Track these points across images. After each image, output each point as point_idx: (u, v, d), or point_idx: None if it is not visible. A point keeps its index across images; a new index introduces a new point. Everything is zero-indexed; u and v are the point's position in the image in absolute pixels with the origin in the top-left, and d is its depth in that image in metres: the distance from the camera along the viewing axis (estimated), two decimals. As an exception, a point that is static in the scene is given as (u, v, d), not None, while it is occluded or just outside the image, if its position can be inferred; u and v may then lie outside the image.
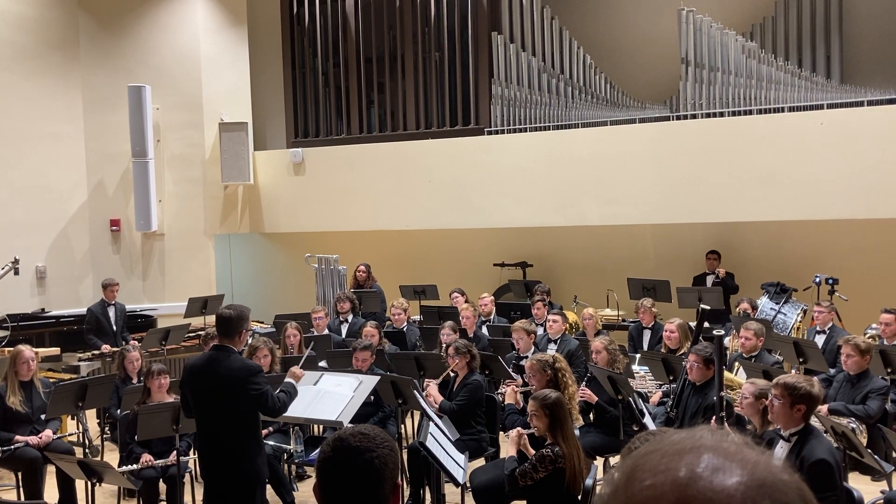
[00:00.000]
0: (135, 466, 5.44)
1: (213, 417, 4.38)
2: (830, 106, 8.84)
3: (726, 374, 5.99)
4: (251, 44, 11.76)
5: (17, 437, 5.77)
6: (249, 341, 8.29)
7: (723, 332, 4.38)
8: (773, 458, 0.78)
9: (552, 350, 6.99)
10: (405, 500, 5.67)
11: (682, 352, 6.54)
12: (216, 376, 4.31)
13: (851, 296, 8.22)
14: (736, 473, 0.73)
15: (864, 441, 5.60)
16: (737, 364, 6.53)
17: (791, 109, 9.03)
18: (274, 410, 4.44)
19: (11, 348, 6.59)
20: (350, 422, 5.13)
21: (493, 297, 9.02)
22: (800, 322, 7.76)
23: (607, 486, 0.80)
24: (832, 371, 6.55)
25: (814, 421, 5.32)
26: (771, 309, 8.07)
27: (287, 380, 4.74)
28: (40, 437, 5.80)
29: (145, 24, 11.20)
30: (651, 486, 0.74)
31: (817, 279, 8.30)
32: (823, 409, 5.82)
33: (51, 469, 5.78)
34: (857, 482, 5.24)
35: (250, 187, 11.66)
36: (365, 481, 1.81)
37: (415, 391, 5.49)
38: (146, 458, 5.46)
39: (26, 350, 6.03)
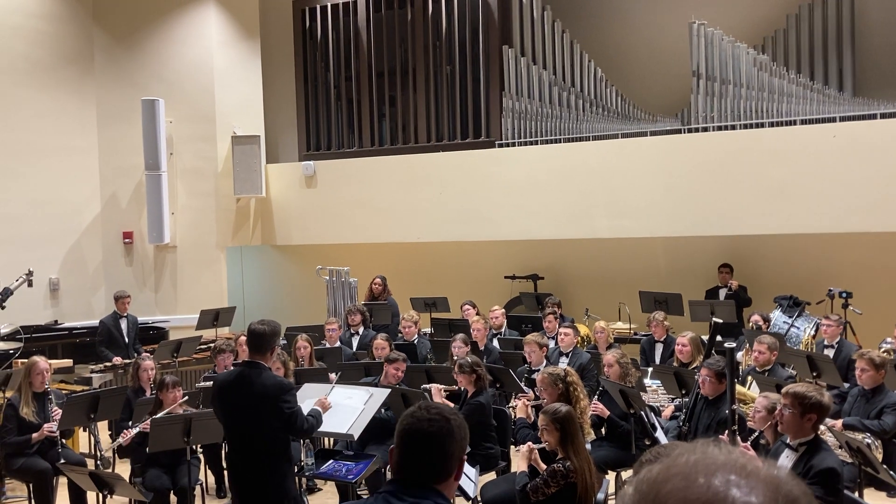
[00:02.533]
0: (136, 430, 5.53)
1: (243, 434, 4.34)
2: (843, 119, 8.81)
3: (739, 388, 5.95)
4: (264, 57, 11.85)
5: (34, 436, 5.78)
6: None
7: (734, 345, 4.35)
8: (786, 472, 0.78)
9: (564, 363, 6.96)
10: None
11: (694, 365, 6.51)
12: (247, 393, 4.25)
13: (865, 309, 8.16)
14: (761, 491, 0.73)
15: (880, 456, 5.54)
16: (750, 378, 6.48)
17: (803, 122, 9.00)
18: (301, 430, 4.41)
19: (25, 360, 6.62)
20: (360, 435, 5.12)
21: (503, 310, 9.00)
22: (812, 337, 7.69)
23: None
24: (846, 385, 6.49)
25: (829, 436, 5.29)
26: (784, 322, 8.01)
27: (315, 407, 4.72)
28: (42, 431, 5.78)
29: (159, 38, 11.30)
30: None
31: (831, 293, 8.25)
32: (838, 423, 5.77)
33: (63, 481, 5.80)
34: (873, 498, 5.19)
35: (262, 200, 11.71)
36: (437, 438, 2.10)
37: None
38: (128, 434, 5.59)
39: (41, 361, 6.06)
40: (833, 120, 8.86)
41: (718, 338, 8.36)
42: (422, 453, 2.10)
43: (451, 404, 5.93)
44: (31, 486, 5.83)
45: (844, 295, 8.14)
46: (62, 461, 5.69)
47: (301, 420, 4.33)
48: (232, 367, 6.13)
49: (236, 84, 11.55)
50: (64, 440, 6.07)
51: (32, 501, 5.80)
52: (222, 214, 11.49)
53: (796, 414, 3.86)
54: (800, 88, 9.11)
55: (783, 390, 4.09)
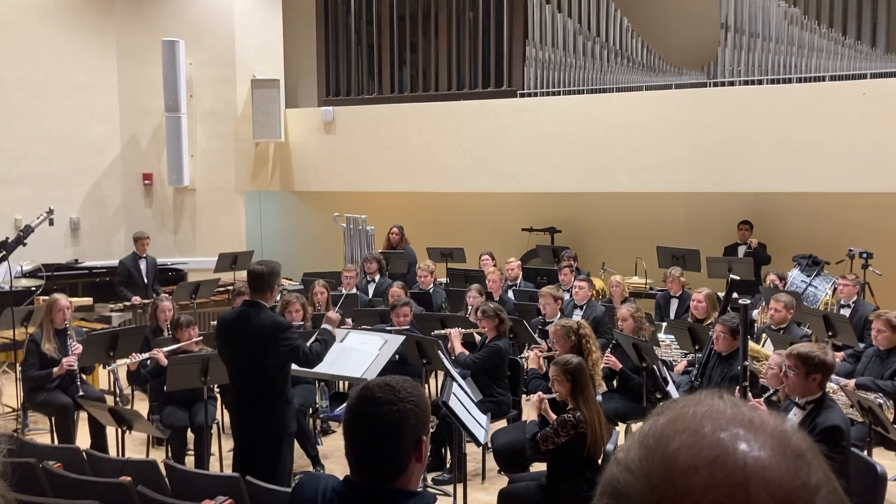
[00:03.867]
0: (146, 355, 5.75)
1: (243, 372, 4.46)
2: (874, 76, 8.60)
3: (753, 345, 5.95)
4: (284, 0, 11.70)
5: (54, 371, 5.92)
6: (279, 297, 8.41)
7: (749, 302, 4.34)
8: (793, 425, 0.77)
9: (578, 316, 6.98)
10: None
11: (709, 322, 6.50)
12: (247, 332, 4.37)
13: (886, 271, 8.08)
14: (769, 445, 0.73)
15: (892, 417, 5.55)
16: (764, 335, 6.48)
17: (833, 78, 8.80)
18: (307, 362, 4.50)
19: (46, 297, 6.73)
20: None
21: (519, 262, 8.99)
22: (829, 297, 7.64)
23: (631, 472, 0.74)
24: (861, 345, 6.47)
25: (841, 395, 5.30)
26: (801, 281, 7.96)
27: (324, 326, 4.78)
28: (62, 365, 5.91)
29: (180, -23, 11.18)
30: (695, 469, 0.71)
31: (851, 253, 8.16)
32: (851, 383, 5.77)
33: (83, 416, 5.94)
34: (882, 457, 5.20)
35: (281, 145, 11.69)
36: (383, 432, 1.82)
37: (439, 352, 5.53)
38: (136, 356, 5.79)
39: (62, 299, 6.16)
40: (864, 76, 8.65)
41: (734, 295, 8.33)
42: (370, 447, 1.83)
43: (467, 352, 6.00)
44: (52, 419, 5.98)
45: (865, 255, 8.05)
46: (81, 394, 5.83)
47: (303, 352, 4.42)
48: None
49: (257, 27, 11.43)
50: (84, 377, 6.20)
51: (55, 434, 5.95)
52: (241, 158, 11.50)
53: (800, 375, 3.86)
54: (831, 43, 8.89)
55: (787, 351, 4.09)
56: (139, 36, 11.10)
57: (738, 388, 4.41)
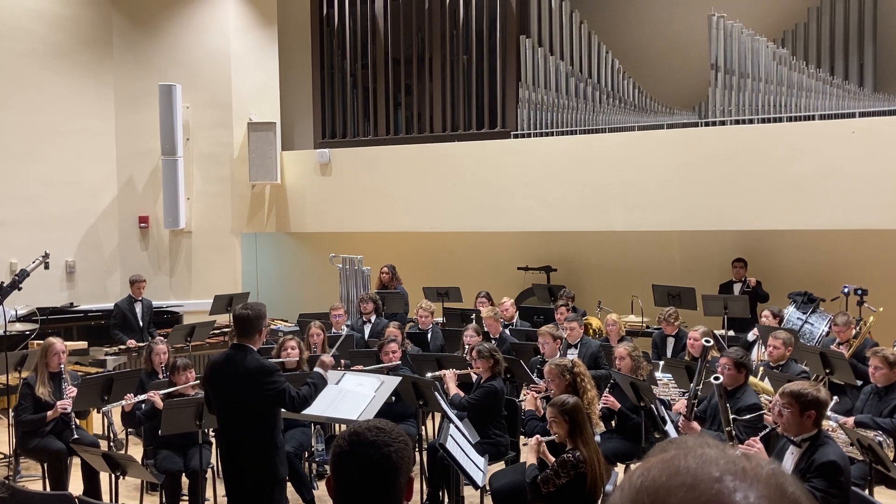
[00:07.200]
0: (142, 396, 5.74)
1: (231, 416, 4.42)
2: (863, 114, 8.72)
3: (752, 379, 5.94)
4: (280, 44, 11.86)
5: (48, 414, 5.86)
6: (274, 341, 8.38)
7: (721, 380, 4.37)
8: (784, 469, 0.78)
9: (573, 354, 6.96)
10: (423, 499, 5.68)
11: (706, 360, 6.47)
12: (234, 376, 4.34)
13: (881, 307, 8.09)
14: (765, 495, 0.73)
15: (892, 454, 5.51)
16: (762, 370, 6.47)
17: (822, 117, 8.91)
18: (294, 406, 4.44)
19: (41, 341, 6.70)
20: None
21: (513, 302, 8.96)
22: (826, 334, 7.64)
23: None
24: (858, 382, 6.45)
25: (840, 433, 5.27)
26: (798, 319, 7.97)
27: (316, 369, 4.73)
28: (56, 409, 5.86)
29: (177, 23, 11.34)
30: None
31: (846, 289, 8.18)
32: (850, 421, 5.74)
33: (76, 461, 5.87)
34: (883, 496, 5.16)
35: (277, 187, 11.75)
36: (382, 475, 1.83)
37: (436, 393, 5.50)
38: (130, 397, 5.80)
39: (57, 343, 6.13)
40: (852, 115, 8.77)
41: (731, 332, 8.34)
42: (369, 491, 1.82)
43: (462, 393, 5.96)
44: (45, 465, 5.91)
45: (860, 292, 8.07)
46: (75, 437, 5.77)
47: (290, 396, 4.37)
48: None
49: (253, 70, 11.57)
50: (78, 421, 6.14)
51: (47, 481, 5.87)
52: (237, 200, 11.54)
53: (795, 412, 3.85)
54: (819, 83, 9.02)
55: (780, 390, 4.09)
56: (136, 80, 11.22)
57: (727, 430, 4.41)
